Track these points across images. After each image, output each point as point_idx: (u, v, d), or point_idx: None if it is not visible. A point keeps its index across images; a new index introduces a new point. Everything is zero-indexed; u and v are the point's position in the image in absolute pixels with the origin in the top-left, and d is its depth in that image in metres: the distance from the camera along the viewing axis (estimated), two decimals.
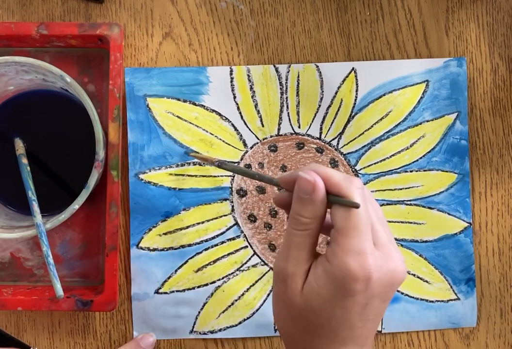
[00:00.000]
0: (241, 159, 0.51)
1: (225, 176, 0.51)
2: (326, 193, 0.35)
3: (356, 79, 0.51)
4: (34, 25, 0.48)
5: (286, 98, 0.51)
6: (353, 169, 0.51)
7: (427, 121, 0.51)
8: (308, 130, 0.51)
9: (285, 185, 0.37)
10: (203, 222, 0.51)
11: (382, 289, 0.34)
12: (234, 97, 0.51)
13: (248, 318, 0.51)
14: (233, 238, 0.51)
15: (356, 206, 0.33)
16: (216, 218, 0.51)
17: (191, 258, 0.51)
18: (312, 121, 0.51)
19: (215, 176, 0.51)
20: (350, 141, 0.51)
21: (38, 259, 0.51)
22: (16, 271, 0.51)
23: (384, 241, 0.35)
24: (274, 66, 0.51)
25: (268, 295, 0.51)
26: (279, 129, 0.51)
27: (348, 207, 0.34)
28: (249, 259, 0.51)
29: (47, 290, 0.50)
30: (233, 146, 0.51)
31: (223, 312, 0.51)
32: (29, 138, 0.50)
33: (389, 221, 0.51)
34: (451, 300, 0.51)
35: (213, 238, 0.51)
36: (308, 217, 0.35)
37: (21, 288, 0.50)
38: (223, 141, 0.51)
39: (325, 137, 0.51)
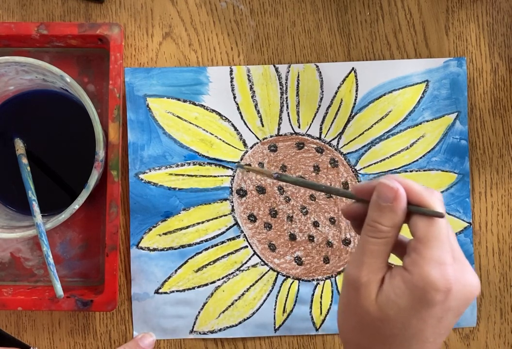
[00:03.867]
0: (241, 159, 0.51)
1: (225, 176, 0.51)
2: (407, 203, 0.34)
3: (356, 79, 0.51)
4: (34, 25, 0.48)
5: (286, 98, 0.51)
6: (353, 169, 0.51)
7: (427, 121, 0.51)
8: (308, 130, 0.51)
9: (360, 194, 0.36)
10: (203, 222, 0.51)
11: (458, 302, 0.33)
12: (234, 97, 0.51)
13: (248, 318, 0.51)
14: (233, 238, 0.51)
15: (441, 215, 0.33)
16: (216, 218, 0.51)
17: (191, 258, 0.51)
18: (312, 121, 0.51)
19: (215, 176, 0.51)
20: (350, 141, 0.51)
21: (38, 259, 0.51)
22: (16, 271, 0.51)
23: (460, 254, 0.34)
24: (274, 66, 0.51)
25: (268, 295, 0.51)
26: (279, 129, 0.51)
27: (430, 217, 0.33)
28: (249, 259, 0.51)
29: (47, 290, 0.50)
30: (233, 146, 0.51)
31: (223, 312, 0.51)
32: (29, 138, 0.50)
33: None
34: None
35: (213, 238, 0.51)
36: (387, 225, 0.34)
37: (21, 288, 0.50)
38: (223, 141, 0.51)
39: (325, 137, 0.51)
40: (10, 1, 0.52)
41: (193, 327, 0.51)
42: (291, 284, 0.51)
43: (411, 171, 0.51)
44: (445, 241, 0.33)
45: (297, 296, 0.51)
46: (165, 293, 0.51)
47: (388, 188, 0.34)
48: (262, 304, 0.51)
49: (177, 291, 0.51)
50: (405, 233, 0.36)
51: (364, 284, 0.34)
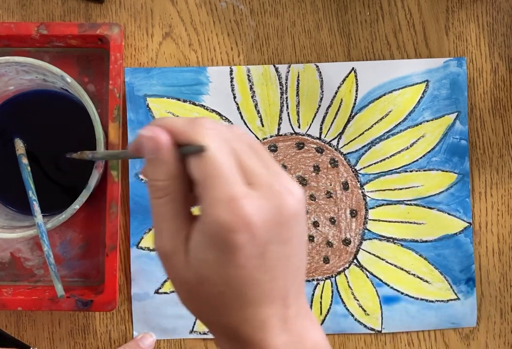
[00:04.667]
0: None
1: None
2: (178, 146, 0.30)
3: (356, 79, 0.51)
4: (34, 25, 0.48)
5: (286, 98, 0.51)
6: (353, 169, 0.51)
7: (427, 121, 0.51)
8: (308, 130, 0.51)
9: (138, 154, 0.32)
10: None
11: (273, 231, 0.29)
12: (234, 97, 0.51)
13: None
14: None
15: (202, 149, 0.28)
16: None
17: None
18: (312, 121, 0.51)
19: None
20: (350, 141, 0.51)
21: (38, 259, 0.51)
22: (16, 271, 0.51)
23: (262, 177, 0.29)
24: (274, 66, 0.51)
25: None
26: (279, 129, 0.51)
27: (199, 154, 0.29)
28: None
29: (47, 290, 0.50)
30: None
31: None
32: (29, 138, 0.50)
33: (389, 221, 0.51)
34: (451, 300, 0.51)
35: None
36: (163, 179, 0.30)
37: (21, 288, 0.50)
38: None
39: (325, 137, 0.51)
40: (10, 1, 0.52)
41: (193, 327, 0.51)
42: None
43: (411, 171, 0.51)
44: (226, 174, 0.28)
45: None
46: (165, 293, 0.51)
47: (147, 139, 0.30)
48: None
49: None
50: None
51: (170, 252, 0.30)
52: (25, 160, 0.48)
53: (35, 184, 0.47)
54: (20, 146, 0.49)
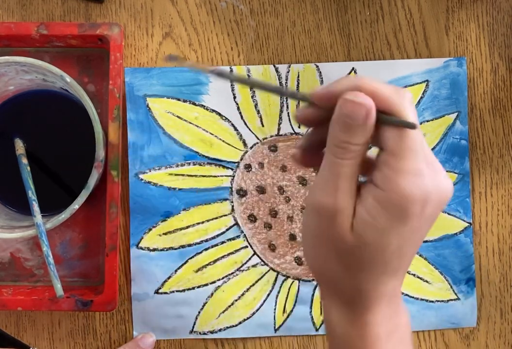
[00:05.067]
0: (241, 159, 0.51)
1: (225, 176, 0.51)
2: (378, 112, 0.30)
3: None
4: (34, 25, 0.48)
5: (286, 98, 0.51)
6: None
7: (427, 121, 0.51)
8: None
9: (321, 102, 0.32)
10: (203, 222, 0.51)
11: (434, 210, 0.31)
12: (234, 97, 0.51)
13: (248, 318, 0.51)
14: (233, 238, 0.51)
15: (413, 126, 0.29)
16: (216, 218, 0.51)
17: (191, 258, 0.51)
18: None
19: (215, 176, 0.51)
20: None
21: (38, 259, 0.51)
22: (16, 271, 0.51)
23: (432, 157, 0.31)
24: (274, 66, 0.51)
25: (268, 295, 0.51)
26: (279, 129, 0.51)
27: (401, 127, 0.29)
28: (249, 259, 0.51)
29: (47, 290, 0.50)
30: (233, 146, 0.51)
31: (223, 312, 0.51)
32: (29, 138, 0.50)
33: None
34: (451, 300, 0.51)
35: (213, 238, 0.51)
36: (357, 144, 0.30)
37: (21, 288, 0.50)
38: (223, 141, 0.51)
39: None
40: (10, 1, 0.52)
41: (193, 327, 0.51)
42: (291, 284, 0.51)
43: None
44: (419, 151, 0.30)
45: (297, 296, 0.51)
46: (165, 293, 0.51)
47: (357, 105, 0.30)
48: (262, 304, 0.51)
49: (177, 291, 0.51)
50: None
51: (341, 211, 0.31)
52: (24, 160, 0.48)
53: (35, 184, 0.47)
54: (20, 146, 0.49)
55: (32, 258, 0.51)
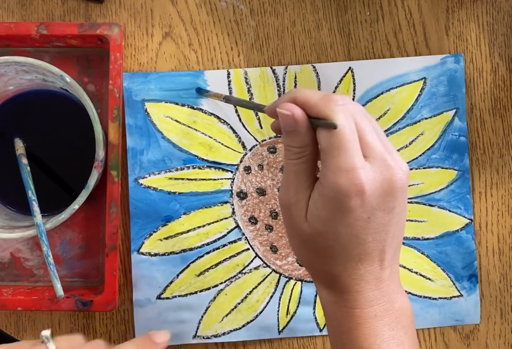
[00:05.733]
0: (241, 161, 0.51)
1: (225, 179, 0.51)
2: (309, 117, 0.35)
3: (353, 79, 0.51)
4: (34, 25, 0.48)
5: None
6: None
7: (426, 118, 0.51)
8: None
9: (273, 116, 0.38)
10: (204, 226, 0.51)
11: (380, 200, 0.34)
12: None
13: (251, 321, 0.51)
14: (234, 241, 0.51)
15: (333, 126, 0.33)
16: (217, 221, 0.51)
17: (192, 262, 0.51)
18: None
19: (215, 179, 0.51)
20: None
21: (38, 259, 0.51)
22: (16, 271, 0.51)
23: (378, 152, 0.34)
24: (271, 68, 0.51)
25: (271, 297, 0.51)
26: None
27: (329, 128, 0.33)
28: (251, 261, 0.51)
29: (47, 290, 0.50)
30: (232, 149, 0.51)
31: (226, 315, 0.51)
32: (29, 138, 0.50)
33: None
34: (454, 297, 0.51)
35: (214, 241, 0.51)
36: (298, 146, 0.35)
37: (21, 288, 0.50)
38: (222, 144, 0.51)
39: None
40: (10, 1, 0.52)
41: (196, 331, 0.51)
42: (294, 285, 0.51)
43: (411, 169, 0.51)
44: (350, 147, 0.33)
45: (300, 297, 0.51)
46: (167, 298, 0.50)
47: (284, 116, 0.35)
48: (265, 307, 0.51)
49: (179, 296, 0.51)
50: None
51: (294, 204, 0.36)
52: (24, 160, 0.48)
53: (35, 184, 0.47)
54: (19, 146, 0.49)
55: (32, 258, 0.51)
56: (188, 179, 0.51)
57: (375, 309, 0.36)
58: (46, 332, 0.32)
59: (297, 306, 0.51)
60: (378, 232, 0.35)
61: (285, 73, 0.51)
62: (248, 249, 0.51)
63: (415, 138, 0.51)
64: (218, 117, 0.51)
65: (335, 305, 0.37)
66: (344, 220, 0.34)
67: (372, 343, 0.35)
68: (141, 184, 0.51)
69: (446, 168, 0.51)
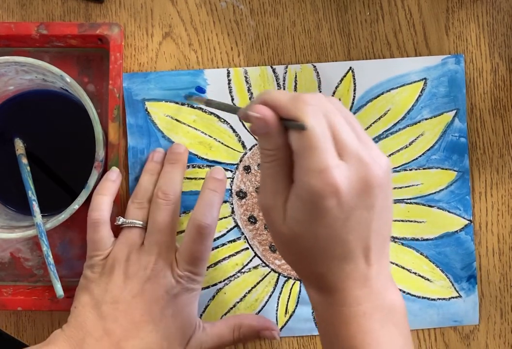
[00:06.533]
0: (240, 160, 0.51)
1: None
2: (281, 119, 0.34)
3: (354, 79, 0.51)
4: (34, 25, 0.48)
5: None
6: None
7: (426, 119, 0.51)
8: None
9: (246, 120, 0.37)
10: None
11: (358, 198, 0.33)
12: (232, 99, 0.51)
13: None
14: (234, 240, 0.51)
15: (301, 128, 0.33)
16: None
17: None
18: None
19: None
20: None
21: (38, 259, 0.51)
22: (16, 271, 0.51)
23: (353, 149, 0.34)
24: (271, 67, 0.51)
25: (270, 296, 0.51)
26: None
27: (299, 130, 0.33)
28: (250, 260, 0.51)
29: (47, 290, 0.50)
30: (232, 148, 0.51)
31: (225, 314, 0.51)
32: (29, 138, 0.50)
33: None
34: (453, 297, 0.51)
35: (214, 240, 0.51)
36: (271, 149, 0.35)
37: (21, 288, 0.50)
38: (222, 143, 0.51)
39: None
40: (10, 1, 0.52)
41: None
42: (292, 285, 0.51)
43: (410, 170, 0.51)
44: (321, 147, 0.33)
45: (299, 297, 0.51)
46: None
47: (255, 118, 0.34)
48: (264, 306, 0.51)
49: None
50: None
51: (271, 208, 0.36)
52: (24, 160, 0.48)
53: (35, 184, 0.47)
54: (20, 146, 0.49)
55: (32, 258, 0.51)
56: (188, 178, 0.51)
57: (364, 307, 0.35)
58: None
59: (296, 306, 0.51)
60: (360, 230, 0.34)
61: (285, 73, 0.51)
62: (247, 248, 0.51)
63: (415, 139, 0.51)
64: (218, 116, 0.51)
65: (324, 304, 0.36)
66: (321, 221, 0.33)
67: (361, 340, 0.35)
68: None
69: (446, 169, 0.51)
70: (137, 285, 0.44)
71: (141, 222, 0.46)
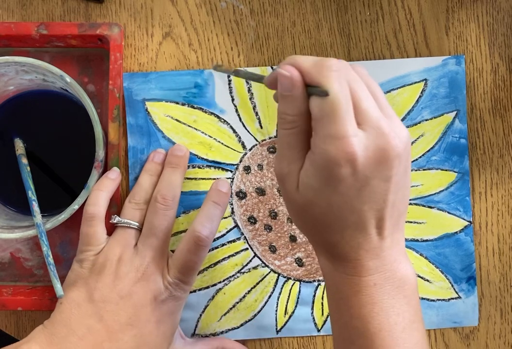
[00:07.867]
0: (240, 161, 0.51)
1: (224, 178, 0.51)
2: (305, 85, 0.34)
3: None
4: (34, 25, 0.48)
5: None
6: None
7: (426, 120, 0.51)
8: None
9: (272, 87, 0.37)
10: None
11: (374, 168, 0.33)
12: (232, 99, 0.51)
13: (249, 320, 0.51)
14: (234, 241, 0.51)
15: (324, 94, 0.32)
16: None
17: None
18: None
19: (214, 179, 0.51)
20: None
21: (38, 259, 0.51)
22: (16, 271, 0.51)
23: (373, 119, 0.33)
24: (272, 67, 0.51)
25: (270, 296, 0.51)
26: (277, 131, 0.51)
27: (322, 96, 0.33)
28: (250, 261, 0.51)
29: (47, 290, 0.50)
30: (232, 148, 0.51)
31: (225, 314, 0.51)
32: (29, 138, 0.50)
33: None
34: (452, 298, 0.51)
35: (214, 240, 0.51)
36: (292, 114, 0.35)
37: (21, 288, 0.50)
38: (222, 143, 0.51)
39: None
40: (10, 1, 0.52)
41: (194, 330, 0.51)
42: (292, 285, 0.51)
43: (410, 171, 0.51)
44: (341, 115, 0.32)
45: (298, 298, 0.51)
46: None
47: (284, 77, 0.34)
48: (263, 306, 0.51)
49: None
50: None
51: (287, 175, 0.35)
52: (24, 160, 0.48)
53: (35, 184, 0.47)
54: (20, 146, 0.49)
55: (32, 258, 0.51)
56: (188, 178, 0.51)
57: (375, 277, 0.35)
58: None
59: (295, 306, 0.51)
60: (375, 201, 0.34)
61: None
62: (247, 248, 0.51)
63: (415, 140, 0.51)
64: (218, 117, 0.51)
65: (334, 271, 0.36)
66: (335, 188, 0.33)
67: (370, 310, 0.35)
68: None
69: (446, 170, 0.51)
70: (126, 286, 0.44)
71: (137, 224, 0.46)
